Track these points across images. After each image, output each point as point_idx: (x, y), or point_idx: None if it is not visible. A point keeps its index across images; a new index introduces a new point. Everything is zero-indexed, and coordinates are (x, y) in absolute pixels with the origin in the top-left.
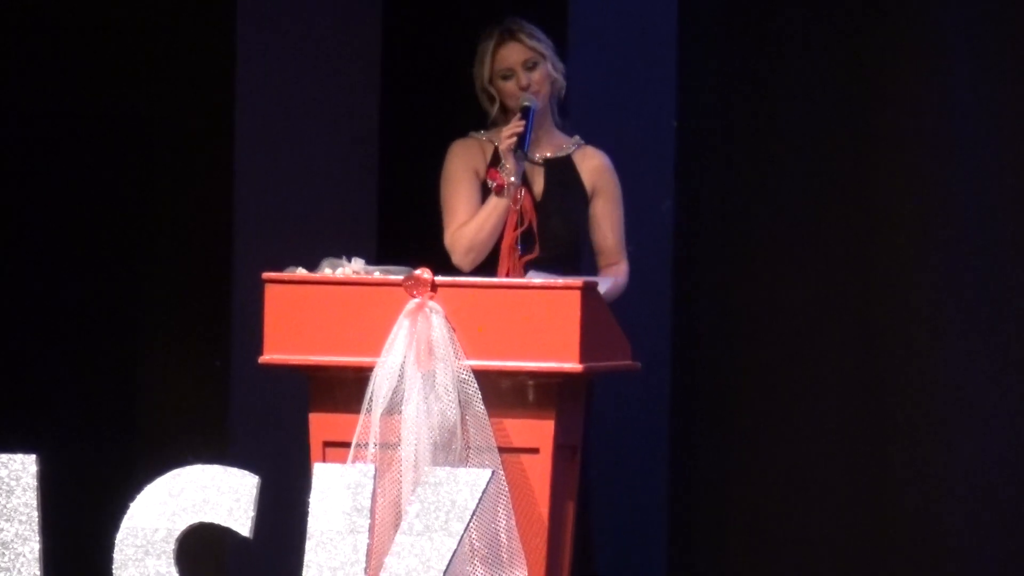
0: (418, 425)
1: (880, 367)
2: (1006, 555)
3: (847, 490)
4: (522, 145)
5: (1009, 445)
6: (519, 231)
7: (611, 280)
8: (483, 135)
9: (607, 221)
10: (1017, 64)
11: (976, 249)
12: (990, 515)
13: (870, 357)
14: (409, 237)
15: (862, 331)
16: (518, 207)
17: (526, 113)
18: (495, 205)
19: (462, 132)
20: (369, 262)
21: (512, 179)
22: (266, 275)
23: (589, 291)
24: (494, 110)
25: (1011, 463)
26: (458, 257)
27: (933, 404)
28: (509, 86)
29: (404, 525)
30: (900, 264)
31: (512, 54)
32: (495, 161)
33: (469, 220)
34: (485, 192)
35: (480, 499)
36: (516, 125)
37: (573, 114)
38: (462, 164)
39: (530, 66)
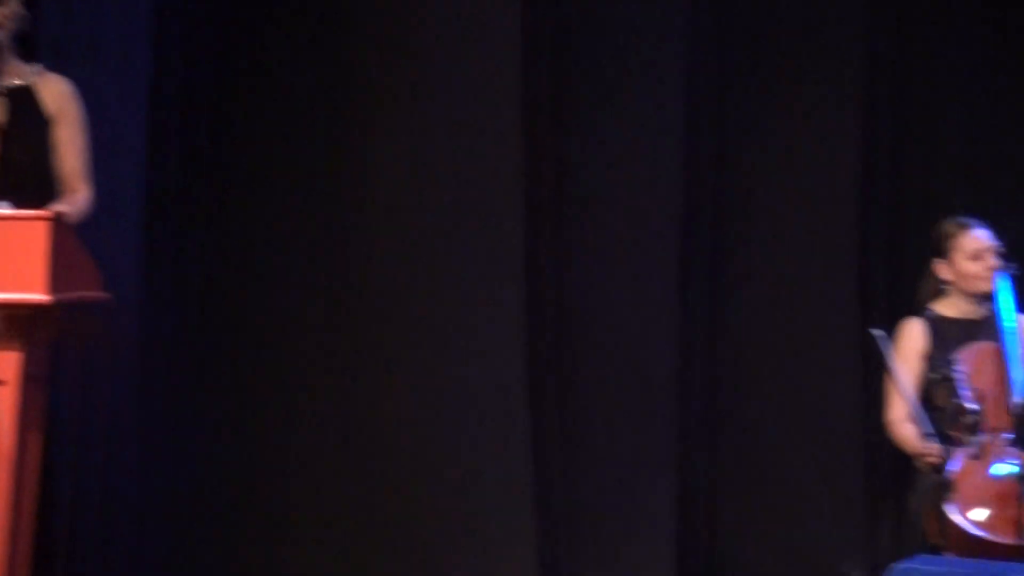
0: None
1: (356, 354)
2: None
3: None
4: None
5: (484, 442)
6: None
7: (74, 206)
8: None
9: (69, 147)
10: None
11: (458, 248)
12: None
13: (347, 339)
14: None
15: (338, 313)
16: None
17: None
18: None
19: None
20: None
21: None
22: None
23: (56, 221)
24: None
25: (482, 460)
26: None
27: (408, 393)
28: None
29: None
30: (373, 253)
31: None
32: None
33: None
34: None
35: None
36: None
37: (46, 52)
38: None
39: None
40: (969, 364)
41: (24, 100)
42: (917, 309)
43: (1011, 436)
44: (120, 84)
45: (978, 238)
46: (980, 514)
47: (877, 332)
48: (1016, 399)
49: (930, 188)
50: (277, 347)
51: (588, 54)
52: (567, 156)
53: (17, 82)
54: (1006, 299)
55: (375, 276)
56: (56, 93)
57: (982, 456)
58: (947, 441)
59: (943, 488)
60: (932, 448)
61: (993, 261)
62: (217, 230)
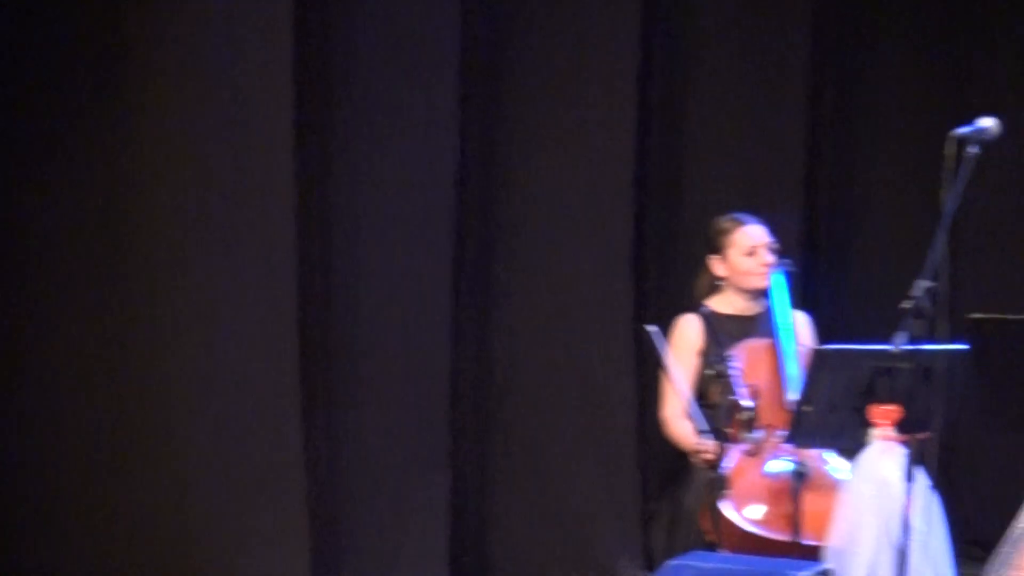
0: None
1: (124, 348)
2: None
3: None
4: None
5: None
6: None
7: None
8: None
9: None
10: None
11: (227, 241)
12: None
13: (115, 330)
14: None
15: (106, 305)
16: None
17: None
18: None
19: None
20: None
21: None
22: None
23: None
24: None
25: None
26: None
27: (175, 388)
28: None
29: None
30: (143, 245)
31: None
32: None
33: None
34: None
35: None
36: None
37: None
38: None
39: None
40: (744, 360)
41: None
42: (692, 305)
43: (786, 433)
44: None
45: (752, 234)
46: (755, 511)
47: (651, 328)
48: (790, 396)
49: (705, 184)
50: (43, 337)
51: (358, 45)
52: (337, 148)
53: None
54: (781, 295)
55: (143, 268)
56: None
57: (757, 453)
58: (722, 438)
59: (718, 485)
60: (707, 445)
61: (767, 257)
62: None
